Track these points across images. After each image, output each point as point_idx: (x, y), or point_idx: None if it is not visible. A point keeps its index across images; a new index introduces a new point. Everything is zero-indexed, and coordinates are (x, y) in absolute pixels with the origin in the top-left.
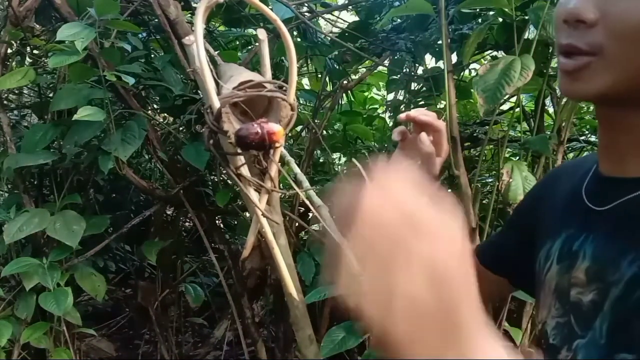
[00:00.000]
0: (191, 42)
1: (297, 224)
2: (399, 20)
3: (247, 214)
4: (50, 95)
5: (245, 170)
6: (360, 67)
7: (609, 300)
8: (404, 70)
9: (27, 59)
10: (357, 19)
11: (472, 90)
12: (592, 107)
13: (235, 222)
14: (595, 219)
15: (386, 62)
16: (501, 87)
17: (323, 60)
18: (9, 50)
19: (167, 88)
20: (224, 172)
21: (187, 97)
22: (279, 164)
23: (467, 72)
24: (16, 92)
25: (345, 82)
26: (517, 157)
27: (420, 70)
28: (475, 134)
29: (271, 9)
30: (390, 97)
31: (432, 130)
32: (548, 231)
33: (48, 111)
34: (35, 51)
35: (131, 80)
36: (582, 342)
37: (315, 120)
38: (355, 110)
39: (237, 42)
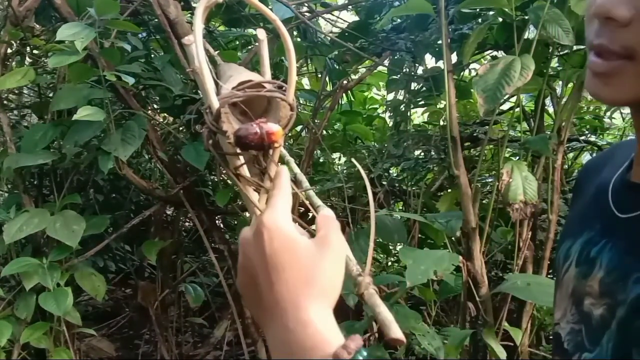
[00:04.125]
0: (191, 42)
1: (297, 224)
2: (399, 20)
3: (247, 214)
4: (50, 95)
5: (244, 171)
6: (360, 67)
7: (615, 319)
8: (404, 70)
9: (27, 59)
10: (357, 19)
11: (472, 90)
12: (592, 107)
13: (235, 222)
14: (617, 226)
15: (386, 62)
16: (501, 87)
17: (323, 60)
18: (9, 50)
19: (167, 88)
20: (224, 172)
21: (187, 97)
22: (279, 164)
23: (467, 72)
24: (16, 92)
25: (345, 82)
26: (517, 157)
27: (420, 70)
28: (475, 134)
29: (271, 9)
30: (390, 97)
31: None
32: (571, 229)
33: (48, 111)
34: (35, 51)
35: (131, 80)
36: (589, 356)
37: (315, 120)
38: (355, 110)
39: (237, 42)
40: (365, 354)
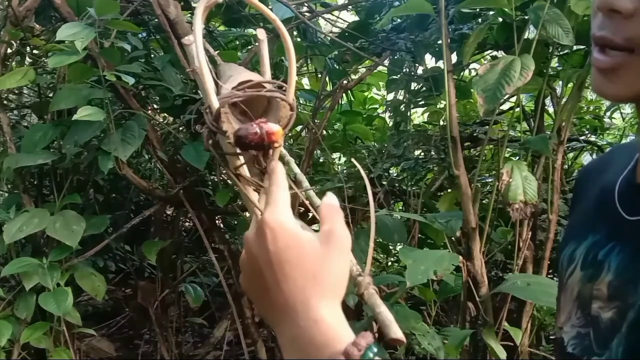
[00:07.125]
0: (190, 42)
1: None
2: (399, 20)
3: (247, 214)
4: (50, 95)
5: (244, 171)
6: (360, 67)
7: (626, 322)
8: (404, 70)
9: (27, 59)
10: (357, 19)
11: (472, 90)
12: (592, 107)
13: (235, 222)
14: (626, 229)
15: (386, 62)
16: (501, 87)
17: (323, 60)
18: (9, 50)
19: (167, 88)
20: (224, 172)
21: (187, 97)
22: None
23: (467, 72)
24: (16, 92)
25: (345, 82)
26: (517, 157)
27: (420, 70)
28: (475, 134)
29: (271, 9)
30: (390, 97)
31: None
32: (574, 232)
33: (48, 111)
34: (35, 51)
35: (131, 80)
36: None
37: (315, 120)
38: (355, 110)
39: (237, 42)
40: (375, 350)
